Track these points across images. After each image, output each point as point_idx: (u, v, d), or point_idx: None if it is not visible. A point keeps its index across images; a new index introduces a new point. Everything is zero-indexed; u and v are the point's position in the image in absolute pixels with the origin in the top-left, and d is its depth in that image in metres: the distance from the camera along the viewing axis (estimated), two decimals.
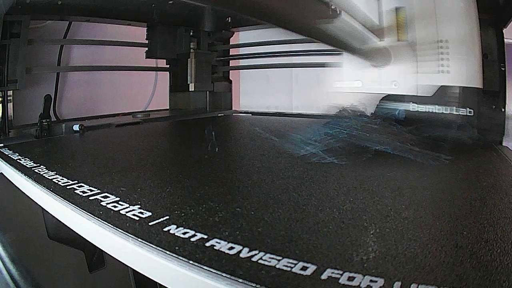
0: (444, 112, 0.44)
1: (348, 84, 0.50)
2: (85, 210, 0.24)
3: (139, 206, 0.24)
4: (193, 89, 0.89)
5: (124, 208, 0.24)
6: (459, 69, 0.44)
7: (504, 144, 0.48)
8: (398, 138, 0.38)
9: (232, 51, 0.95)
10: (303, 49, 0.84)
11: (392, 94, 0.46)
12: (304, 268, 0.16)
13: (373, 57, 0.44)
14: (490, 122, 0.45)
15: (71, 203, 0.25)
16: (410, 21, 0.45)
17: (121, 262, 0.20)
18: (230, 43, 0.95)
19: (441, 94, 0.44)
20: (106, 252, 0.22)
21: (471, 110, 0.44)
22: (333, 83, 0.51)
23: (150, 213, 0.23)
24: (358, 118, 0.43)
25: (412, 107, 0.45)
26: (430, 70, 0.44)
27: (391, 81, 0.46)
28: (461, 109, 0.44)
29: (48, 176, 0.31)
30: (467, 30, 0.44)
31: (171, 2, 0.73)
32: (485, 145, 0.43)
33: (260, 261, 0.17)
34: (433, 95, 0.44)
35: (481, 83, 0.45)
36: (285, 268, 0.16)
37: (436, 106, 0.44)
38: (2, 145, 0.44)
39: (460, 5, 0.44)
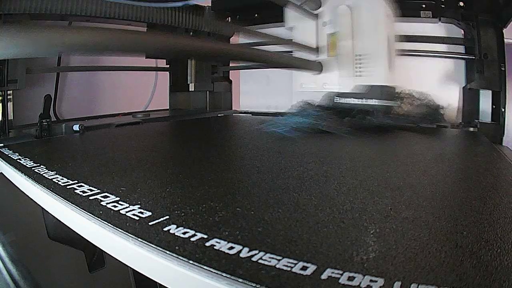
0: (357, 103, 0.64)
1: (314, 85, 0.71)
2: (85, 210, 0.24)
3: (139, 206, 0.24)
4: (193, 89, 0.89)
5: (124, 208, 0.24)
6: (369, 73, 0.64)
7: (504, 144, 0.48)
8: (328, 120, 0.58)
9: None
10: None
11: (341, 92, 0.67)
12: (304, 268, 0.16)
13: (311, 68, 0.65)
14: (390, 109, 0.64)
15: (71, 203, 0.25)
16: (338, 42, 0.66)
17: (121, 262, 0.20)
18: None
19: (357, 90, 0.64)
20: (106, 252, 0.22)
21: (377, 100, 0.63)
22: (302, 84, 0.72)
23: (150, 213, 0.23)
24: (314, 108, 0.64)
25: (353, 100, 0.65)
26: (349, 74, 0.65)
27: (323, 83, 0.68)
28: (369, 100, 0.64)
29: (48, 176, 0.31)
30: (375, 47, 0.64)
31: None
32: (485, 145, 0.44)
33: (260, 261, 0.17)
34: (350, 91, 0.65)
35: (386, 82, 0.64)
36: (285, 268, 0.16)
37: (353, 98, 0.65)
38: (2, 145, 0.44)
39: (371, 28, 0.64)
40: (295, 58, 0.67)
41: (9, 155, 0.39)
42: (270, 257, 0.17)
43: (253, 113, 0.88)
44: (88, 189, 0.28)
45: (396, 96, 0.65)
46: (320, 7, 0.68)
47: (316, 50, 0.68)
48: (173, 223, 0.21)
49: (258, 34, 0.58)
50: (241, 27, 0.73)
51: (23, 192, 0.32)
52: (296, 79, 0.74)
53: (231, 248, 0.18)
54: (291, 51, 0.76)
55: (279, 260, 0.17)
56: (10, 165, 0.35)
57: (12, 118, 0.58)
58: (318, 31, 0.69)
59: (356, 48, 0.65)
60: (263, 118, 0.80)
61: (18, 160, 0.37)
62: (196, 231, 0.20)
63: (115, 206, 0.24)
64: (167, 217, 0.22)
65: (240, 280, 0.16)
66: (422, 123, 0.63)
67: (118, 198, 0.26)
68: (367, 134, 0.54)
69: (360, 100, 0.64)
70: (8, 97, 0.57)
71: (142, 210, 0.23)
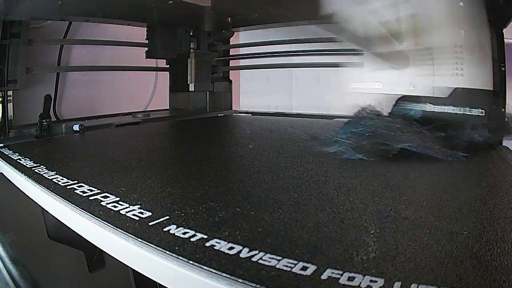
0: (457, 112, 0.47)
1: (368, 85, 0.53)
2: (85, 210, 0.24)
3: (139, 206, 0.24)
4: (193, 89, 0.89)
5: (124, 208, 0.24)
6: (472, 73, 0.47)
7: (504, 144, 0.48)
8: (420, 137, 0.40)
9: (232, 51, 0.95)
10: (303, 49, 0.85)
11: (408, 95, 0.49)
12: (304, 268, 0.16)
13: (392, 60, 0.48)
14: (498, 121, 0.48)
15: (71, 203, 0.25)
16: (427, 27, 0.48)
17: (121, 262, 0.20)
18: (230, 43, 0.95)
19: (456, 96, 0.47)
20: (106, 252, 0.22)
21: (483, 110, 0.47)
22: (352, 84, 0.54)
23: (150, 213, 0.23)
24: (380, 117, 0.45)
25: (429, 107, 0.48)
26: (445, 73, 0.47)
27: (409, 83, 0.49)
28: (473, 109, 0.47)
29: (48, 176, 0.31)
30: (479, 37, 0.48)
31: (171, 2, 0.73)
32: (485, 145, 0.44)
33: (260, 261, 0.17)
34: (448, 96, 0.47)
35: (491, 85, 0.49)
36: (285, 268, 0.16)
37: (451, 106, 0.47)
38: (2, 145, 0.44)
39: (473, 13, 0.47)
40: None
41: (9, 155, 0.39)
42: (270, 257, 0.17)
43: (253, 113, 0.88)
44: (88, 189, 0.28)
45: (495, 104, 0.49)
46: None
47: (393, 37, 0.47)
48: (173, 223, 0.21)
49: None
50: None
51: (23, 192, 0.32)
52: (346, 76, 0.56)
53: (231, 248, 0.18)
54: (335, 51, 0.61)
55: (279, 260, 0.17)
56: (10, 165, 0.35)
57: (12, 118, 0.58)
58: (397, 11, 0.47)
59: (454, 37, 0.46)
60: (264, 119, 0.80)
61: (18, 160, 0.37)
62: (196, 231, 0.20)
63: (115, 206, 0.24)
64: (167, 217, 0.22)
65: (240, 280, 0.16)
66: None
67: (118, 198, 0.26)
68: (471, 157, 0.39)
69: (453, 108, 0.47)
70: (8, 97, 0.57)
71: (142, 210, 0.23)
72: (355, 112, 0.46)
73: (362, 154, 0.38)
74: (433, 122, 0.45)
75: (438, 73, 0.48)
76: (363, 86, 0.53)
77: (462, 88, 0.47)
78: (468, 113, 0.47)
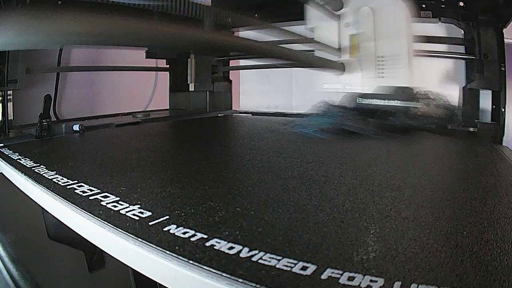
0: (380, 104, 0.65)
1: (329, 86, 0.72)
2: (85, 210, 0.24)
3: (139, 206, 0.24)
4: (193, 89, 0.89)
5: (124, 208, 0.24)
6: (391, 74, 0.65)
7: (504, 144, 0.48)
8: (363, 123, 0.59)
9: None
10: (303, 49, 0.85)
11: (366, 93, 0.66)
12: (304, 268, 0.16)
13: (335, 68, 0.65)
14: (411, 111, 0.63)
15: (71, 203, 0.25)
16: (360, 43, 0.67)
17: (121, 262, 0.20)
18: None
19: (379, 91, 0.65)
20: (106, 252, 0.22)
21: (400, 102, 0.64)
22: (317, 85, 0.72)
23: (150, 213, 0.23)
24: (341, 109, 0.64)
25: (359, 100, 0.67)
26: (372, 75, 0.65)
27: (345, 84, 0.68)
28: (393, 101, 0.64)
29: (48, 176, 0.31)
30: (397, 48, 0.64)
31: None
32: (485, 145, 0.45)
33: (260, 261, 0.17)
34: (373, 92, 0.65)
35: (408, 83, 0.64)
36: (285, 268, 0.16)
37: (375, 99, 0.66)
38: (2, 145, 0.44)
39: (393, 30, 0.64)
40: (320, 58, 0.67)
41: (9, 155, 0.39)
42: (270, 257, 0.17)
43: (253, 113, 0.88)
44: (88, 189, 0.28)
45: (415, 97, 0.65)
46: (342, 7, 0.68)
47: (339, 50, 0.67)
48: (173, 223, 0.21)
49: (282, 32, 0.58)
50: (266, 23, 0.72)
51: (23, 192, 0.32)
52: (318, 79, 0.72)
53: (231, 248, 0.18)
54: (313, 51, 0.76)
55: (279, 260, 0.17)
56: (10, 165, 0.35)
57: (12, 118, 0.58)
58: (340, 32, 0.68)
59: (378, 50, 0.65)
60: (264, 119, 0.80)
61: (18, 160, 0.37)
62: (196, 231, 0.20)
63: (115, 206, 0.24)
64: (167, 217, 0.22)
65: (240, 280, 0.16)
66: (440, 124, 0.63)
67: (118, 198, 0.26)
68: (391, 135, 0.56)
69: (382, 101, 0.65)
70: (8, 97, 0.57)
71: (142, 210, 0.23)
72: (324, 106, 0.66)
73: (325, 134, 0.55)
74: (376, 112, 0.63)
75: (365, 76, 0.66)
76: (333, 86, 0.70)
77: (384, 86, 0.64)
78: (389, 104, 0.64)
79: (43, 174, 0.32)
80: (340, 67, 0.66)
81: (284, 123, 0.65)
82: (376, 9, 0.65)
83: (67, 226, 0.25)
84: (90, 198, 0.26)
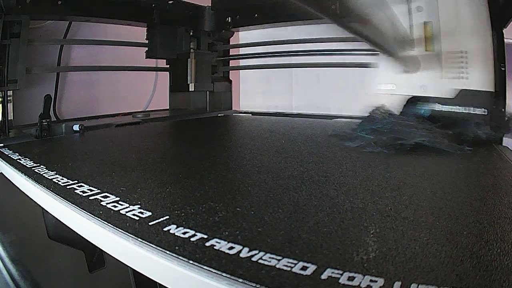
0: (463, 111, 0.53)
1: (384, 87, 0.59)
2: (85, 210, 0.24)
3: (139, 206, 0.24)
4: (193, 89, 0.89)
5: (124, 208, 0.24)
6: (476, 75, 0.53)
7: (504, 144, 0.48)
8: (431, 133, 0.45)
9: (232, 51, 0.95)
10: (304, 50, 0.85)
11: (417, 96, 0.55)
12: (304, 268, 0.16)
13: (405, 64, 0.53)
14: (500, 119, 0.52)
15: (71, 203, 0.25)
16: (437, 34, 0.54)
17: (121, 262, 0.20)
18: (230, 43, 0.95)
19: (461, 96, 0.53)
20: (106, 252, 0.22)
21: (486, 110, 0.52)
22: (371, 85, 0.60)
23: (150, 213, 0.23)
24: (394, 116, 0.51)
25: (438, 107, 0.54)
26: (452, 76, 0.53)
27: (420, 85, 0.55)
28: (477, 109, 0.52)
29: (48, 176, 0.31)
30: (483, 43, 0.53)
31: (171, 2, 0.74)
32: (487, 141, 0.45)
33: (260, 261, 0.17)
34: (454, 97, 0.53)
35: (493, 86, 0.53)
36: (285, 268, 0.16)
37: (457, 106, 0.53)
38: (2, 145, 0.44)
39: (478, 21, 0.53)
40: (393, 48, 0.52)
41: (9, 155, 0.39)
42: (270, 257, 0.17)
43: (253, 113, 0.88)
44: (88, 189, 0.28)
45: (497, 104, 0.53)
46: None
47: (407, 42, 0.54)
48: (173, 223, 0.21)
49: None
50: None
51: (23, 192, 0.32)
52: (373, 79, 0.60)
53: (231, 248, 0.18)
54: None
55: (279, 260, 0.17)
56: (10, 165, 0.35)
57: (12, 118, 0.58)
58: (411, 19, 0.54)
59: (459, 44, 0.52)
60: (264, 119, 0.80)
61: (18, 160, 0.37)
62: (196, 231, 0.20)
63: (115, 206, 0.24)
64: (167, 217, 0.22)
65: (240, 280, 0.16)
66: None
67: (118, 198, 0.26)
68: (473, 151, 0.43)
69: (459, 107, 0.52)
70: (8, 97, 0.57)
71: (142, 210, 0.23)
72: (370, 111, 0.52)
73: (382, 147, 0.43)
74: (441, 120, 0.50)
75: (445, 76, 0.54)
76: (380, 88, 0.58)
77: (467, 89, 0.52)
78: (472, 112, 0.52)
79: (43, 174, 0.32)
80: (415, 63, 0.53)
81: (330, 134, 0.52)
82: None
83: (67, 226, 0.25)
84: (90, 198, 0.26)
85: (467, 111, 0.52)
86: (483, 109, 0.51)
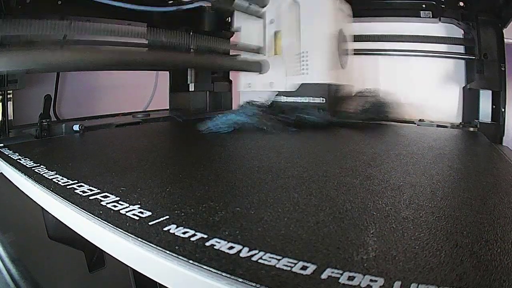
0: (303, 101, 0.68)
1: (242, 87, 0.77)
2: (85, 210, 0.24)
3: (139, 206, 0.24)
4: (193, 89, 0.89)
5: (124, 208, 0.24)
6: (314, 71, 0.67)
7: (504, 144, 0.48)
8: (266, 119, 0.59)
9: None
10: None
11: (282, 91, 0.71)
12: (304, 268, 0.16)
13: (251, 69, 0.69)
14: (336, 106, 0.67)
15: (71, 203, 0.25)
16: (283, 40, 0.69)
17: (121, 262, 0.20)
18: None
19: (302, 89, 0.69)
20: (106, 252, 0.22)
21: (323, 98, 0.67)
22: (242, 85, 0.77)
23: (150, 213, 0.23)
24: (256, 107, 0.65)
25: (284, 98, 0.71)
26: (295, 72, 0.68)
27: (269, 82, 0.72)
28: (316, 98, 0.67)
29: (48, 176, 0.31)
30: (319, 44, 0.66)
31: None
32: (485, 145, 0.45)
33: (260, 260, 0.17)
34: (296, 90, 0.69)
35: (330, 79, 0.67)
36: (285, 267, 0.16)
37: (299, 97, 0.69)
38: (2, 145, 0.44)
39: (315, 26, 0.65)
40: (236, 61, 0.69)
41: (9, 155, 0.39)
42: (270, 257, 0.17)
43: None
44: (88, 189, 0.28)
45: (334, 93, 0.67)
46: (266, 5, 0.69)
47: (260, 50, 0.69)
48: (173, 223, 0.21)
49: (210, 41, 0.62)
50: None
51: (23, 192, 0.32)
52: (242, 79, 0.75)
53: (231, 248, 0.18)
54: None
55: (279, 259, 0.17)
56: (10, 165, 0.35)
57: (12, 118, 0.58)
58: (265, 30, 0.70)
59: (300, 46, 0.65)
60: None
61: (18, 160, 0.37)
62: (196, 231, 0.20)
63: (115, 206, 0.24)
64: (167, 217, 0.22)
65: (240, 280, 0.16)
66: (363, 118, 0.65)
67: (118, 198, 0.26)
68: (298, 131, 0.57)
69: (296, 98, 0.67)
70: (8, 97, 0.57)
71: (142, 210, 0.23)
72: (243, 105, 0.69)
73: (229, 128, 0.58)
74: (286, 109, 0.66)
75: (289, 73, 0.69)
76: (256, 86, 0.74)
77: (307, 83, 0.67)
78: (311, 101, 0.67)
79: (43, 174, 0.32)
80: (257, 67, 0.66)
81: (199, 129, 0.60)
82: (299, 2, 0.64)
83: (67, 226, 0.25)
84: (90, 198, 0.26)
85: (307, 101, 0.67)
86: (321, 98, 0.66)
